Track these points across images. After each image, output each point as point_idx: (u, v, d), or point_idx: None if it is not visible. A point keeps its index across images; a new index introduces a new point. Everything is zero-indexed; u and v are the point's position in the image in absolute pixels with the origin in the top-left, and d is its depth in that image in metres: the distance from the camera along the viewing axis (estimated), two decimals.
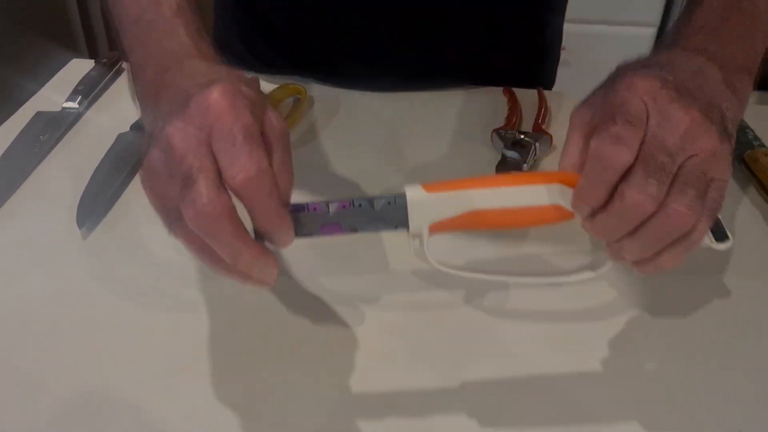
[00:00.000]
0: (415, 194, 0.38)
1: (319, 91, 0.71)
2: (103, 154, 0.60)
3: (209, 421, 0.40)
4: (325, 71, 0.71)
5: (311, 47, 0.70)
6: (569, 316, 0.47)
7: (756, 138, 0.61)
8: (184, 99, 0.36)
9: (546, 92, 0.70)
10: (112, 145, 0.61)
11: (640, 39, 1.78)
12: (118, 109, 0.68)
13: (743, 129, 0.62)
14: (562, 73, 1.99)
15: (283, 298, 0.48)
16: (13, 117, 0.67)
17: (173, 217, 0.36)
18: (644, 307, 0.48)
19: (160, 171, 0.36)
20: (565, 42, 1.98)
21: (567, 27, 1.99)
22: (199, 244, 0.36)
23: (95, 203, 0.54)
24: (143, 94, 0.41)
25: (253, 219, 0.36)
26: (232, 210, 0.34)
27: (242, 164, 0.34)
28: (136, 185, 0.58)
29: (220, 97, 0.35)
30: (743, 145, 0.61)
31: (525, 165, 0.57)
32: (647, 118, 0.36)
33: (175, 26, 0.42)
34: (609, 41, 1.77)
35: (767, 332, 0.46)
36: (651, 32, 1.76)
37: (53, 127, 0.64)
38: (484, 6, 0.69)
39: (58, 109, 0.67)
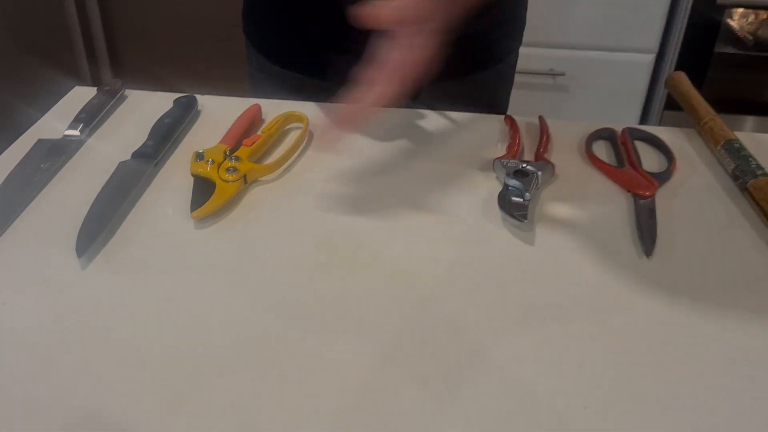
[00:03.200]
0: None
1: (318, 113, 0.71)
2: (104, 182, 0.60)
3: None
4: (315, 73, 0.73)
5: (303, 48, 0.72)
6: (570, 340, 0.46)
7: (759, 167, 0.61)
8: None
9: (548, 120, 0.70)
10: (113, 174, 0.61)
11: (638, 65, 1.79)
12: (120, 137, 0.68)
13: (746, 158, 0.62)
14: (560, 98, 2.02)
15: (285, 324, 0.47)
16: (14, 144, 0.67)
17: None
18: (648, 344, 0.47)
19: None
20: (564, 68, 2.00)
21: (566, 53, 2.01)
22: None
23: (94, 232, 0.54)
24: None
25: None
26: None
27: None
28: (136, 215, 0.58)
29: None
30: (747, 174, 0.60)
31: (527, 194, 0.57)
32: None
33: None
34: (607, 67, 1.78)
35: None
36: (650, 58, 1.78)
37: (55, 155, 0.64)
38: None
39: (60, 136, 0.67)
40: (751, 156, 0.62)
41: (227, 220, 0.58)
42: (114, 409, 0.42)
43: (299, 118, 0.69)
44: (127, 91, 0.75)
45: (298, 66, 0.82)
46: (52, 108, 0.73)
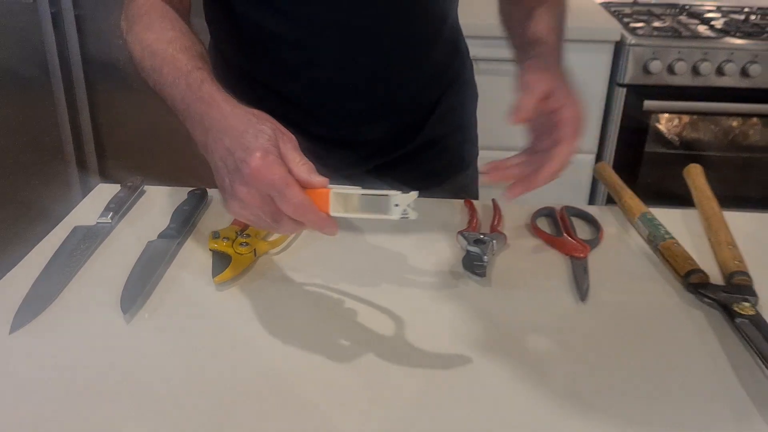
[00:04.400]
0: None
1: None
2: (137, 258, 0.72)
3: None
4: None
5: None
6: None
7: (667, 232, 0.76)
8: (234, 164, 0.57)
9: (499, 202, 0.85)
10: (144, 250, 0.73)
11: (580, 164, 1.99)
12: (145, 222, 0.80)
13: (657, 226, 0.77)
14: None
15: (289, 367, 0.59)
16: (52, 232, 0.79)
17: (268, 226, 0.58)
18: (582, 371, 0.60)
19: (247, 214, 0.58)
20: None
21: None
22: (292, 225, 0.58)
23: (136, 294, 0.66)
24: (202, 148, 0.62)
25: (309, 224, 0.57)
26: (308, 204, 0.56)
27: (289, 203, 0.56)
28: (166, 282, 0.70)
29: (259, 162, 0.55)
30: (658, 238, 0.76)
31: (485, 257, 0.71)
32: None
33: (203, 93, 0.63)
34: None
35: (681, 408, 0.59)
36: (590, 158, 1.98)
37: (91, 238, 0.76)
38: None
39: (93, 223, 0.79)
40: (661, 224, 0.78)
41: (241, 285, 0.70)
42: None
43: None
44: (146, 187, 0.88)
45: None
46: (81, 202, 0.86)
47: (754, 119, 1.99)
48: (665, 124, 2.07)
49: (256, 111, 0.61)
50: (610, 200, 2.04)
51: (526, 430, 0.53)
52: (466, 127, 1.03)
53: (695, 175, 0.88)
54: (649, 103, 1.85)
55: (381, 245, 0.78)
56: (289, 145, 0.58)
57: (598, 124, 1.93)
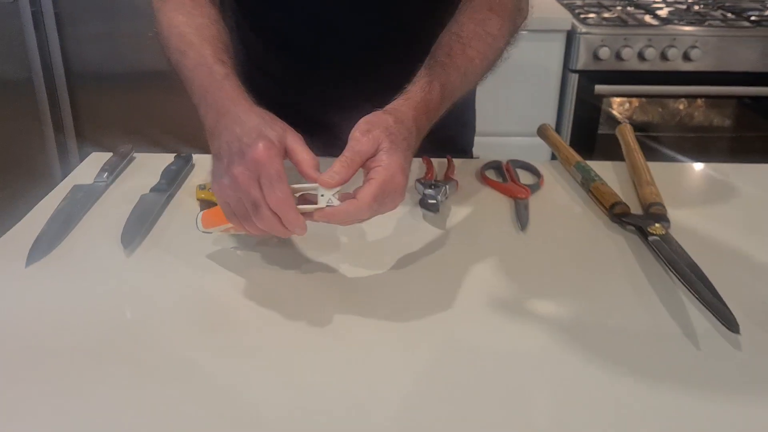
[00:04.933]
0: None
1: None
2: (133, 207, 0.81)
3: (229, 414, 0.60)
4: None
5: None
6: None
7: (597, 175, 0.87)
8: (239, 147, 0.62)
9: (454, 160, 0.96)
10: (138, 202, 0.83)
11: (538, 147, 2.12)
12: (136, 181, 0.89)
13: (588, 171, 0.89)
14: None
15: (265, 299, 0.69)
16: (53, 192, 0.88)
17: (245, 214, 0.63)
18: (521, 291, 0.71)
19: (230, 194, 0.62)
20: (479, 152, 2.30)
21: (481, 140, 2.32)
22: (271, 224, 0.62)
23: (135, 232, 0.76)
24: (209, 131, 0.67)
25: (284, 220, 0.62)
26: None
27: (274, 194, 0.60)
28: (159, 227, 0.79)
29: (262, 151, 0.61)
30: (589, 180, 0.87)
31: (439, 196, 0.82)
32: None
33: (224, 87, 0.69)
34: (514, 150, 2.10)
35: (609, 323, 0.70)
36: None
37: (90, 194, 0.85)
38: None
39: (91, 182, 0.88)
40: (592, 170, 0.89)
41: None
42: (151, 364, 0.62)
43: None
44: (135, 154, 0.98)
45: None
46: (77, 168, 0.95)
47: (699, 101, 2.14)
48: (617, 108, 2.21)
49: (270, 113, 0.66)
50: None
51: (469, 343, 0.64)
52: (464, 115, 1.09)
53: (624, 133, 1.00)
54: (600, 88, 1.98)
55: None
56: (298, 141, 0.64)
57: (554, 108, 2.06)
